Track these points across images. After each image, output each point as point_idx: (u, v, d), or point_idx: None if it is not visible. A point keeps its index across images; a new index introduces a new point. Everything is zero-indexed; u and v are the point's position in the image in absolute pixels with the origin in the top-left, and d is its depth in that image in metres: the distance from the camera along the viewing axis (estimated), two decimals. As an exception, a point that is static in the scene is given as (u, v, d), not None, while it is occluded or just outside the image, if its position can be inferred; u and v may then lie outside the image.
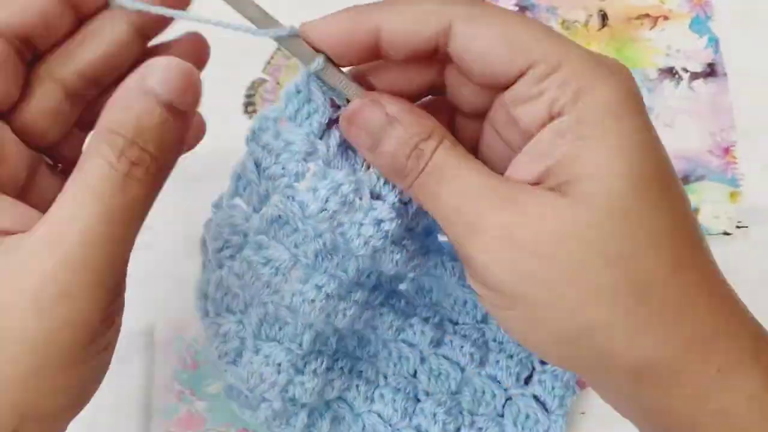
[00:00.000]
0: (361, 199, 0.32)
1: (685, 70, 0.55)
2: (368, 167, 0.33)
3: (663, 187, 0.27)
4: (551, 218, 0.26)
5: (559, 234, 0.26)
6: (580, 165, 0.26)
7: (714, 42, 0.55)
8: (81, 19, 0.31)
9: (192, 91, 0.28)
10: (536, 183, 0.28)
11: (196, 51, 0.33)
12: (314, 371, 0.39)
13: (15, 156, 0.30)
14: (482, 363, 0.44)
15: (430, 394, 0.43)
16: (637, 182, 0.26)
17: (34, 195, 0.31)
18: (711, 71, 0.55)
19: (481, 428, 0.43)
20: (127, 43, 0.31)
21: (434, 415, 0.42)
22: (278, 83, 0.54)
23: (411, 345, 0.43)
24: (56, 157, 0.33)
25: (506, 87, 0.29)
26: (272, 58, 0.55)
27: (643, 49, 0.55)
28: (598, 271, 0.26)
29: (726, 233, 0.52)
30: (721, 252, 0.52)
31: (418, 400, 0.43)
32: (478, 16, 0.28)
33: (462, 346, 0.43)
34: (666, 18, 0.56)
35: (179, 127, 0.28)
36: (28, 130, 0.30)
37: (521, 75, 0.28)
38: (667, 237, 0.26)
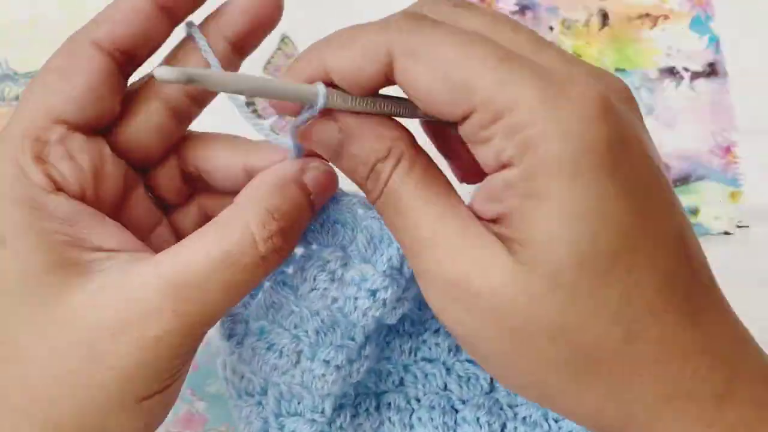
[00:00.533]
0: (350, 272, 0.32)
1: (686, 70, 0.55)
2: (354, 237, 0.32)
3: (617, 259, 0.24)
4: (499, 283, 0.24)
5: (504, 302, 0.24)
6: (528, 225, 0.24)
7: (715, 42, 0.55)
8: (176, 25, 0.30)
9: (328, 196, 0.30)
10: (494, 221, 0.26)
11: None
12: (340, 427, 0.39)
13: (114, 175, 0.29)
14: None
15: (466, 402, 0.43)
16: (585, 255, 0.23)
17: (126, 214, 0.30)
18: (712, 71, 0.55)
19: (525, 417, 0.43)
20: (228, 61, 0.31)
21: (477, 419, 0.42)
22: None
23: (431, 360, 0.42)
24: (151, 186, 0.33)
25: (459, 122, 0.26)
26: (273, 57, 0.55)
27: (644, 49, 0.55)
28: (543, 345, 0.25)
29: (727, 233, 0.52)
30: (721, 252, 0.53)
31: (456, 411, 0.43)
32: (417, 50, 0.24)
33: None
34: (666, 18, 0.56)
35: (307, 224, 0.30)
36: (130, 147, 0.30)
37: (466, 117, 0.24)
38: (617, 311, 0.24)
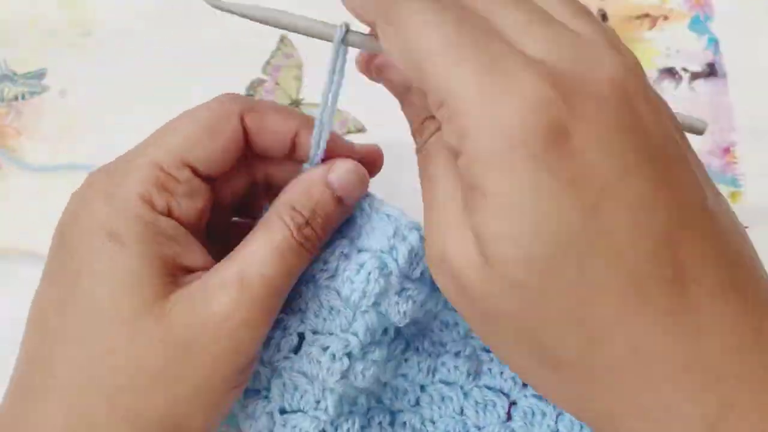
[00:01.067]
0: (352, 254, 0.34)
1: (685, 71, 0.55)
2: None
3: (566, 259, 0.23)
4: (467, 270, 0.26)
5: (473, 290, 0.26)
6: (477, 219, 0.24)
7: (714, 42, 0.55)
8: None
9: (359, 192, 0.34)
10: None
11: (373, 160, 0.37)
12: None
13: (208, 211, 0.34)
14: (525, 384, 0.43)
15: (481, 428, 0.42)
16: (530, 254, 0.23)
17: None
18: (711, 71, 0.55)
19: None
20: None
21: None
22: (277, 83, 0.54)
23: (449, 383, 0.42)
24: None
25: None
26: (272, 57, 0.55)
27: (643, 49, 0.55)
28: (510, 336, 0.26)
29: (726, 233, 0.52)
30: (721, 252, 0.53)
31: None
32: (390, 17, 0.26)
33: (502, 372, 0.43)
34: (666, 18, 0.56)
35: (341, 215, 0.33)
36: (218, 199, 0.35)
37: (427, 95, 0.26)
38: (576, 314, 0.24)
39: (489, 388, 0.42)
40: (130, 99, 0.52)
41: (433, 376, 0.42)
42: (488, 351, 0.43)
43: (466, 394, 0.42)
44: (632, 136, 0.24)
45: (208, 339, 0.29)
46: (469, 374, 0.42)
